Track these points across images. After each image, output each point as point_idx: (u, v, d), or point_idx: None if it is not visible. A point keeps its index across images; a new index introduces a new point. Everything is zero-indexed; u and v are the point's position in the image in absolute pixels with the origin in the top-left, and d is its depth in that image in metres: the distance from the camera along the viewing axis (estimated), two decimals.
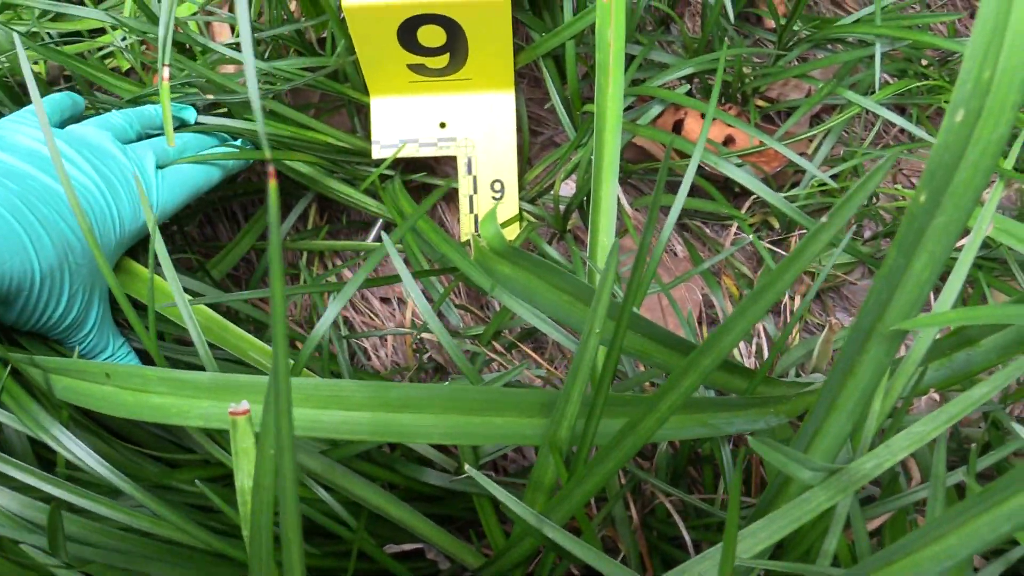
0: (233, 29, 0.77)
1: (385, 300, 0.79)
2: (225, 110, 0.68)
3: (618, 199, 0.68)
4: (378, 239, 0.80)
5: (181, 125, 0.65)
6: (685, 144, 0.62)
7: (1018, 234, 0.50)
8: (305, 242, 0.76)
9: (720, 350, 0.34)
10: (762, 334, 0.67)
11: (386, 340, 0.75)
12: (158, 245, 0.49)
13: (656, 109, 0.63)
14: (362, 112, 0.75)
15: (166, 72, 0.52)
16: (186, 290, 0.62)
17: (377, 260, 0.52)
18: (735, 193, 0.75)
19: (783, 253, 0.68)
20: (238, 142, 0.67)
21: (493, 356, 0.62)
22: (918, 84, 0.62)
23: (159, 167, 0.59)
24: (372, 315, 0.78)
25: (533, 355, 0.64)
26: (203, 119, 0.65)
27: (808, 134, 0.63)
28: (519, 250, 0.41)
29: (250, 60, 0.24)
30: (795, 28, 0.69)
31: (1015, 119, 0.27)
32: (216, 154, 0.63)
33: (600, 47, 0.56)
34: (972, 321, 0.30)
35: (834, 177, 0.68)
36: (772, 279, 0.32)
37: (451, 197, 0.81)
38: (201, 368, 0.51)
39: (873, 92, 0.62)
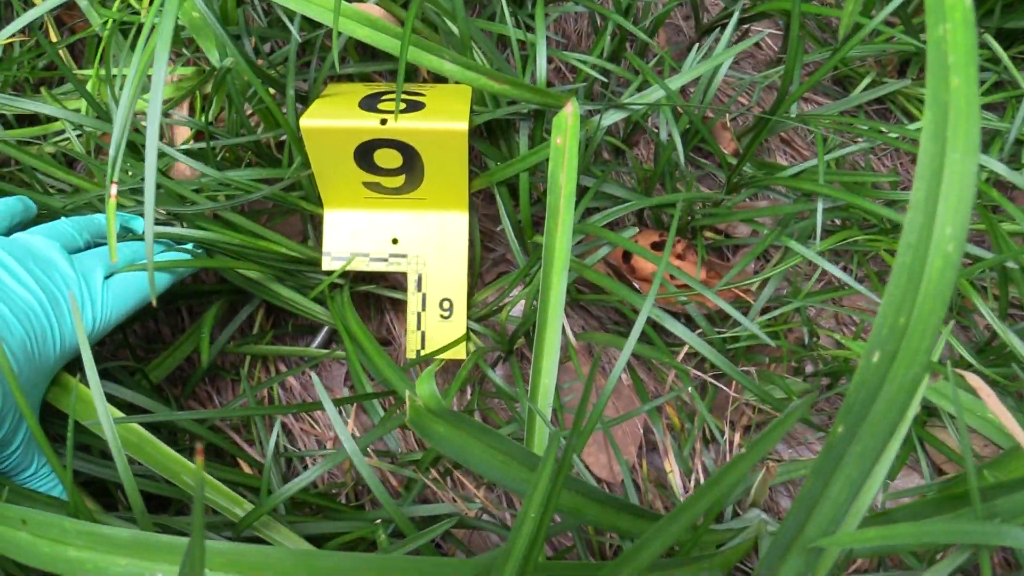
0: (192, 130, 0.77)
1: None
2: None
3: (563, 327, 0.69)
4: (324, 345, 0.80)
5: (129, 233, 0.64)
6: (597, 277, 0.63)
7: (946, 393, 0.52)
8: (249, 346, 0.75)
9: (652, 551, 0.34)
10: (699, 469, 0.67)
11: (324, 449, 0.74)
12: (88, 364, 0.48)
13: (606, 248, 0.64)
14: (315, 220, 0.76)
15: (114, 190, 0.52)
16: (120, 401, 0.60)
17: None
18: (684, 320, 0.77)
19: (726, 389, 0.69)
20: (189, 246, 0.67)
21: (430, 484, 0.61)
22: (859, 236, 0.65)
23: (107, 276, 0.58)
24: (312, 423, 0.77)
25: (469, 486, 0.63)
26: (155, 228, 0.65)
27: (751, 282, 0.65)
28: (455, 412, 0.41)
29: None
30: (744, 169, 0.72)
31: (927, 361, 0.28)
32: (166, 262, 0.62)
33: (551, 188, 0.58)
34: (891, 541, 0.31)
35: (777, 318, 0.70)
36: (687, 505, 0.33)
37: (400, 306, 0.81)
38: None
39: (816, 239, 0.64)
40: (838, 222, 0.74)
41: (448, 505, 0.57)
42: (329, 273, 0.72)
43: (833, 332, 0.72)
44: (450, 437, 0.42)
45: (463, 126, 0.62)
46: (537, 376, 0.54)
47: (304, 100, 0.72)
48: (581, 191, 0.71)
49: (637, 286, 0.72)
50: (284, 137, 0.72)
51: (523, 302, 0.71)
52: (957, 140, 0.27)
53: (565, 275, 0.55)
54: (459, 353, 0.71)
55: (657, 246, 0.75)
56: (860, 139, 0.79)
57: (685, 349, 0.69)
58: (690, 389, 0.60)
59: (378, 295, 0.78)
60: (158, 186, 0.65)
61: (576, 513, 0.45)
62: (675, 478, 0.67)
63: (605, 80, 0.76)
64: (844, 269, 0.76)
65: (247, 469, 0.70)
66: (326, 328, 0.80)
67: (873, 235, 0.65)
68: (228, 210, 0.67)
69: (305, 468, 0.74)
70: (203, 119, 0.75)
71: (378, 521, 0.57)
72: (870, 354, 0.27)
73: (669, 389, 0.70)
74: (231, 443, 0.70)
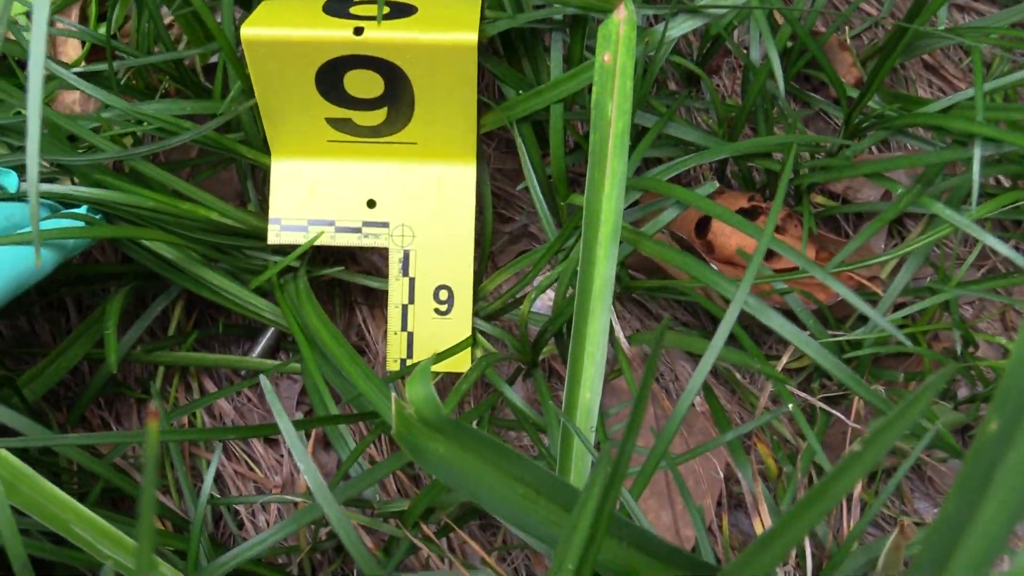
0: (84, 44, 0.79)
1: (271, 442, 0.79)
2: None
3: (611, 324, 0.70)
4: (267, 354, 0.81)
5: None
6: (668, 254, 0.64)
7: None
8: (163, 353, 0.77)
9: None
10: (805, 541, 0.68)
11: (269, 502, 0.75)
12: None
13: (673, 210, 0.66)
14: (259, 174, 0.77)
15: None
16: None
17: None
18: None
19: (842, 418, 0.70)
20: (82, 209, 0.68)
21: (420, 544, 0.63)
22: None
23: None
24: (251, 463, 0.78)
25: (474, 545, 0.65)
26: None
27: (882, 259, 0.66)
28: (459, 424, 0.42)
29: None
30: (870, 104, 0.73)
31: None
32: (51, 230, 0.64)
33: (596, 126, 0.59)
34: None
35: (919, 313, 0.71)
36: (783, 527, 0.34)
37: (376, 298, 0.83)
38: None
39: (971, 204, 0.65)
40: (1005, 180, 0.75)
41: (446, 573, 0.58)
42: (278, 250, 0.74)
43: (997, 337, 0.73)
44: (452, 459, 0.43)
45: (471, 37, 0.63)
46: (575, 388, 0.55)
47: (246, 1, 0.74)
48: (638, 133, 0.72)
49: (715, 267, 0.73)
50: (217, 55, 0.74)
51: (552, 291, 0.72)
52: None
53: (615, 248, 0.56)
54: (461, 363, 0.73)
55: (746, 213, 0.76)
56: None
57: (784, 361, 0.70)
58: (791, 406, 0.61)
59: (346, 283, 0.79)
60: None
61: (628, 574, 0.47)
62: None
63: None
64: (1016, 248, 0.77)
65: (157, 523, 0.71)
66: (271, 330, 0.81)
67: None
68: (137, 159, 0.69)
69: (240, 525, 0.76)
70: (103, 29, 0.76)
71: None
72: None
73: (761, 412, 0.71)
74: (137, 486, 0.71)
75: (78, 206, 0.68)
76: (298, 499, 0.68)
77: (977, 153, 0.62)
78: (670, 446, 0.77)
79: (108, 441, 0.68)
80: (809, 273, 0.62)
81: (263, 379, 0.54)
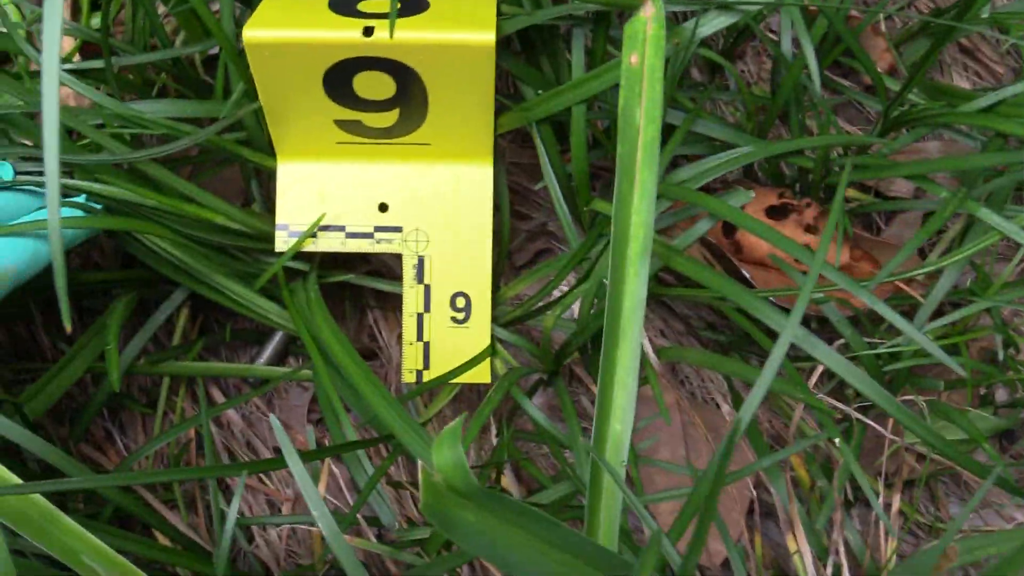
0: (77, 41, 0.76)
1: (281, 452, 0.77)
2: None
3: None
4: (275, 361, 0.79)
5: None
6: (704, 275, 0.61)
7: None
8: (168, 364, 0.74)
9: None
10: (841, 550, 0.66)
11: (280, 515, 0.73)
12: None
13: (706, 223, 0.63)
14: (263, 176, 0.74)
15: None
16: None
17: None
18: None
19: (879, 429, 0.67)
20: (80, 198, 0.65)
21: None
22: None
23: None
24: (261, 477, 0.76)
25: (497, 574, 0.62)
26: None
27: (926, 270, 0.63)
28: (491, 493, 0.39)
29: None
30: (910, 95, 0.70)
31: None
32: (43, 221, 0.61)
33: (624, 134, 0.56)
34: None
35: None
36: None
37: (388, 300, 0.80)
38: None
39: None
40: None
41: None
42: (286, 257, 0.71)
43: None
44: (483, 528, 0.40)
45: (488, 37, 0.60)
46: (604, 420, 0.52)
47: None
48: (665, 132, 0.69)
49: (747, 273, 0.70)
50: (217, 51, 0.70)
51: (579, 302, 0.69)
52: None
53: (645, 266, 0.53)
54: (481, 375, 0.70)
55: (776, 212, 0.73)
56: None
57: (820, 369, 0.67)
58: (837, 441, 0.58)
59: (358, 287, 0.77)
60: (28, 115, 0.63)
61: None
62: (805, 561, 0.66)
63: None
64: None
65: (162, 539, 0.69)
66: (279, 335, 0.79)
67: None
68: (143, 162, 0.66)
69: (250, 539, 0.74)
70: (98, 24, 0.73)
71: None
72: None
73: (796, 431, 0.68)
74: (142, 505, 0.69)
75: (76, 196, 0.66)
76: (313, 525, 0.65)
77: None
78: (697, 459, 0.75)
79: (140, 482, 0.66)
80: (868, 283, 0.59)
81: (273, 419, 0.51)
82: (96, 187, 0.63)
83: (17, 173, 0.64)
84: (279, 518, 0.68)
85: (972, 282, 0.70)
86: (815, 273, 0.51)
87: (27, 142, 0.64)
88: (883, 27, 0.79)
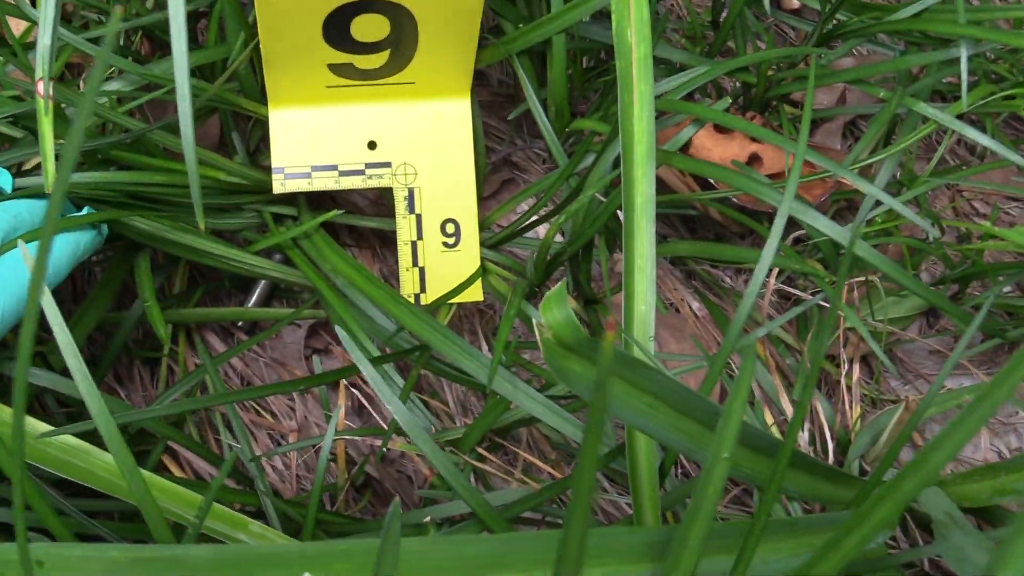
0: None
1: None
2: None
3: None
4: (262, 303, 0.81)
5: None
6: (702, 167, 0.67)
7: None
8: (170, 312, 0.76)
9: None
10: (820, 412, 0.73)
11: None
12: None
13: (690, 130, 0.69)
14: (243, 124, 0.77)
15: (42, 88, 0.53)
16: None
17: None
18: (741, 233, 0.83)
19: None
20: (84, 211, 0.65)
21: (484, 467, 0.65)
22: (998, 93, 0.71)
23: None
24: (262, 411, 0.79)
25: (536, 461, 0.68)
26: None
27: (869, 161, 0.71)
28: (594, 343, 0.45)
29: None
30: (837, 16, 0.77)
31: None
32: (72, 219, 0.63)
33: (620, 51, 0.62)
34: None
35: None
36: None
37: (364, 238, 0.84)
38: None
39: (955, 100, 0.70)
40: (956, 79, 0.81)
41: (519, 490, 0.61)
42: (276, 201, 0.74)
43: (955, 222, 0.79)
44: (588, 376, 0.45)
45: None
46: (630, 302, 0.58)
47: None
48: None
49: (711, 181, 0.77)
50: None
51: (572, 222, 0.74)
52: None
53: (651, 167, 0.59)
54: (474, 294, 0.75)
55: (720, 129, 0.80)
56: None
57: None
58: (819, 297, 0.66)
59: (356, 228, 0.80)
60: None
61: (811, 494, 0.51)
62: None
63: None
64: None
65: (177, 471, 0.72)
66: (262, 283, 0.81)
67: (1017, 89, 0.72)
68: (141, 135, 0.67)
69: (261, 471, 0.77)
70: None
71: (428, 520, 0.61)
72: None
73: (766, 316, 0.75)
74: (187, 439, 0.71)
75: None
76: (347, 437, 0.69)
77: (964, 52, 0.67)
78: (664, 348, 0.82)
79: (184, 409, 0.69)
80: (814, 177, 0.67)
81: (339, 331, 0.55)
82: (99, 177, 0.65)
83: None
84: (304, 442, 0.71)
85: (900, 175, 0.79)
86: (801, 155, 0.58)
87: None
88: None
